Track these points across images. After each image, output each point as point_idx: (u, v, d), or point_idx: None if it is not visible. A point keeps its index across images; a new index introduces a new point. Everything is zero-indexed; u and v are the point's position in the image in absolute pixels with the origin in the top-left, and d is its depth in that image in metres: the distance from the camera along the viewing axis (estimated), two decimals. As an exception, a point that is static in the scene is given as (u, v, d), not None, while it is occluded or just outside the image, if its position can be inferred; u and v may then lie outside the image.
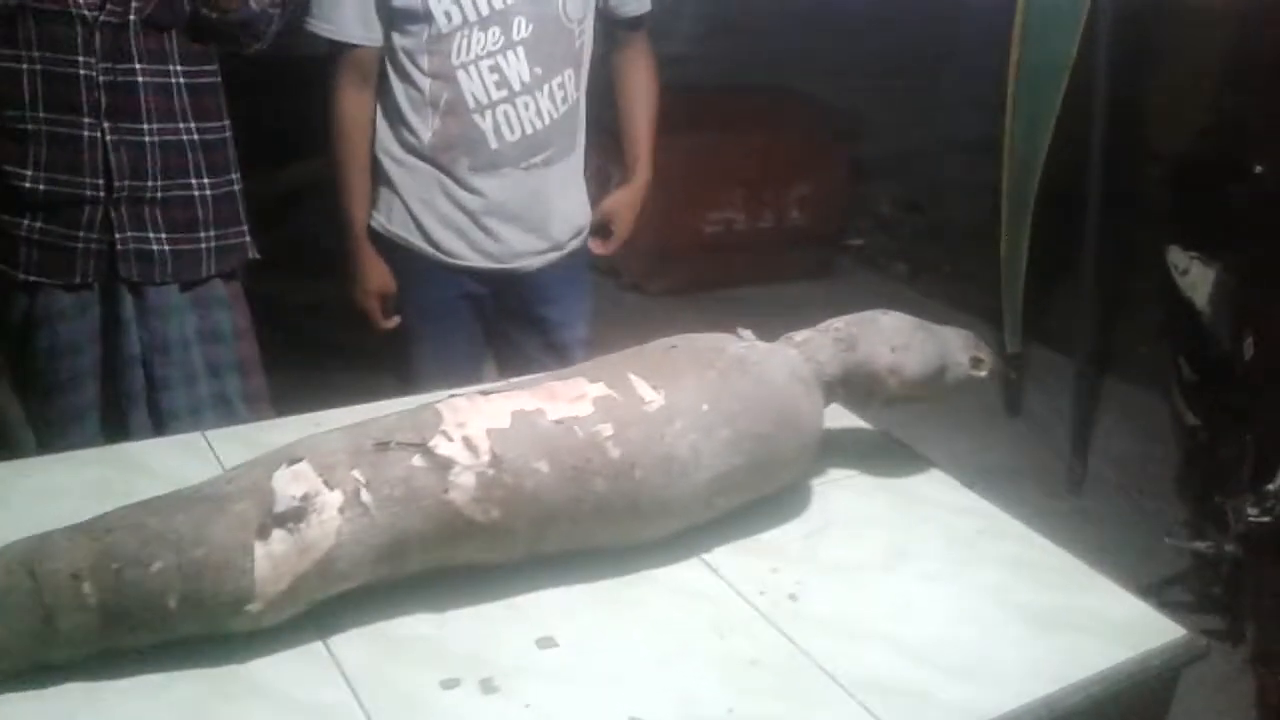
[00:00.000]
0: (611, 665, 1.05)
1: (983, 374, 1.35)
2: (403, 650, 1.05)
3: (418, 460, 1.06)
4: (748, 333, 1.29)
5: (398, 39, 1.80)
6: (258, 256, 1.83)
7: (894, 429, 1.55)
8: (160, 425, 1.70)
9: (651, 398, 1.16)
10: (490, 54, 1.79)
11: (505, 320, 1.98)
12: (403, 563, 1.07)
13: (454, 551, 1.09)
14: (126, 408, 1.70)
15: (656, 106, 2.11)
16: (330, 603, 1.06)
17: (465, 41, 1.78)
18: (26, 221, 1.64)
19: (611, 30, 2.00)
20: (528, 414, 1.11)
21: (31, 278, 1.66)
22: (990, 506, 1.38)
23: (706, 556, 1.22)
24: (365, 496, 1.03)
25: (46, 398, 1.69)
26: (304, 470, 1.03)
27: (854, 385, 1.34)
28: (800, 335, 1.33)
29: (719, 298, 4.18)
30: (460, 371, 1.79)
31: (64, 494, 1.21)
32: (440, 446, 1.07)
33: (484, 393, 1.15)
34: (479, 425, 1.09)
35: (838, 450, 1.46)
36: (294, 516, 1.01)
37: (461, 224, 1.88)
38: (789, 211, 4.32)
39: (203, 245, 1.74)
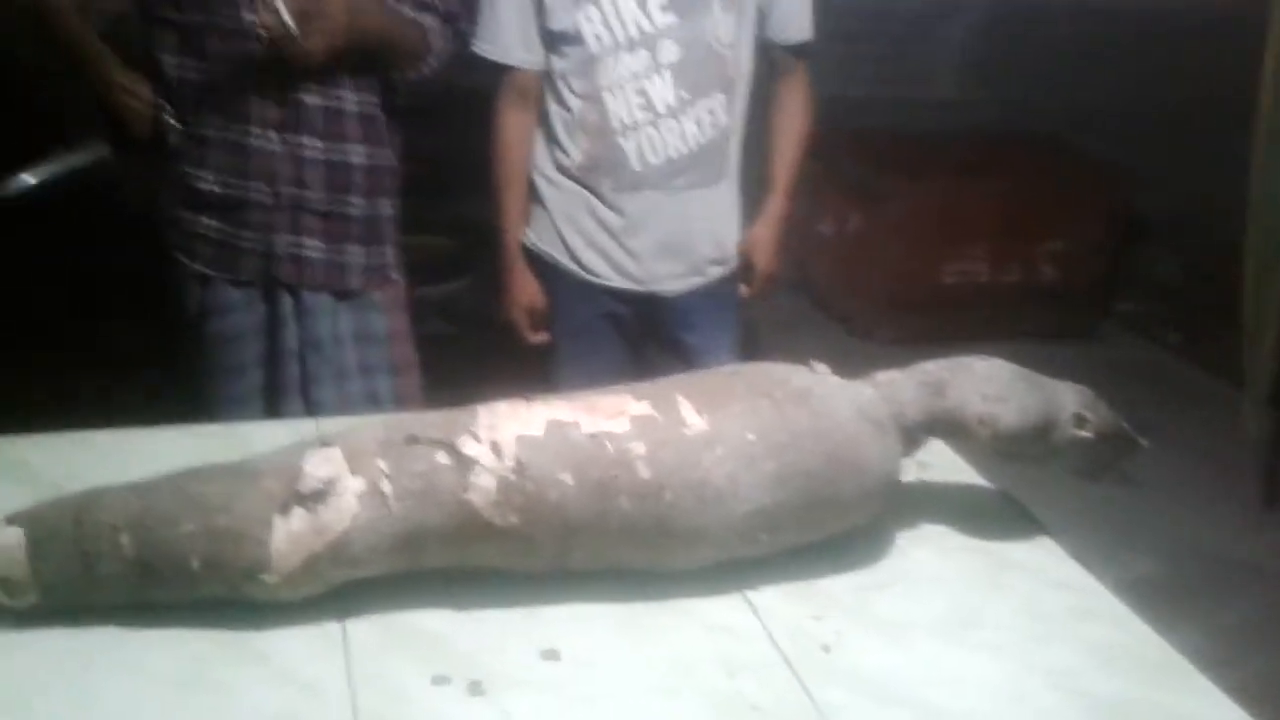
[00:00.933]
0: (604, 687, 1.03)
1: (1085, 434, 1.22)
2: (411, 642, 1.07)
3: (442, 457, 1.08)
4: (822, 366, 1.24)
5: (554, 61, 1.86)
6: (397, 279, 1.93)
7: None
8: (313, 416, 1.82)
9: (694, 421, 1.13)
10: (636, 77, 1.82)
11: (647, 343, 1.99)
12: (419, 557, 1.09)
13: (472, 553, 1.10)
14: (282, 398, 1.84)
15: (805, 141, 2.06)
16: (356, 588, 1.09)
17: (613, 64, 1.82)
18: (203, 219, 1.81)
19: (770, 57, 1.96)
20: (562, 424, 1.11)
21: (205, 270, 1.84)
22: (1095, 584, 1.24)
23: (751, 594, 1.17)
24: (385, 486, 1.06)
25: (214, 383, 1.86)
26: (334, 455, 1.08)
27: (939, 434, 1.26)
28: (884, 375, 1.26)
29: (954, 352, 3.99)
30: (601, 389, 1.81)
31: (171, 462, 1.31)
32: (466, 446, 1.08)
33: (529, 400, 1.16)
34: (511, 430, 1.10)
35: (937, 505, 1.37)
36: (315, 497, 1.05)
37: (604, 243, 1.91)
38: (1039, 267, 4.08)
39: (352, 259, 1.85)
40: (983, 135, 4.28)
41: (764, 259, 2.03)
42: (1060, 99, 4.37)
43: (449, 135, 2.28)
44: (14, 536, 1.03)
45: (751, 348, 2.22)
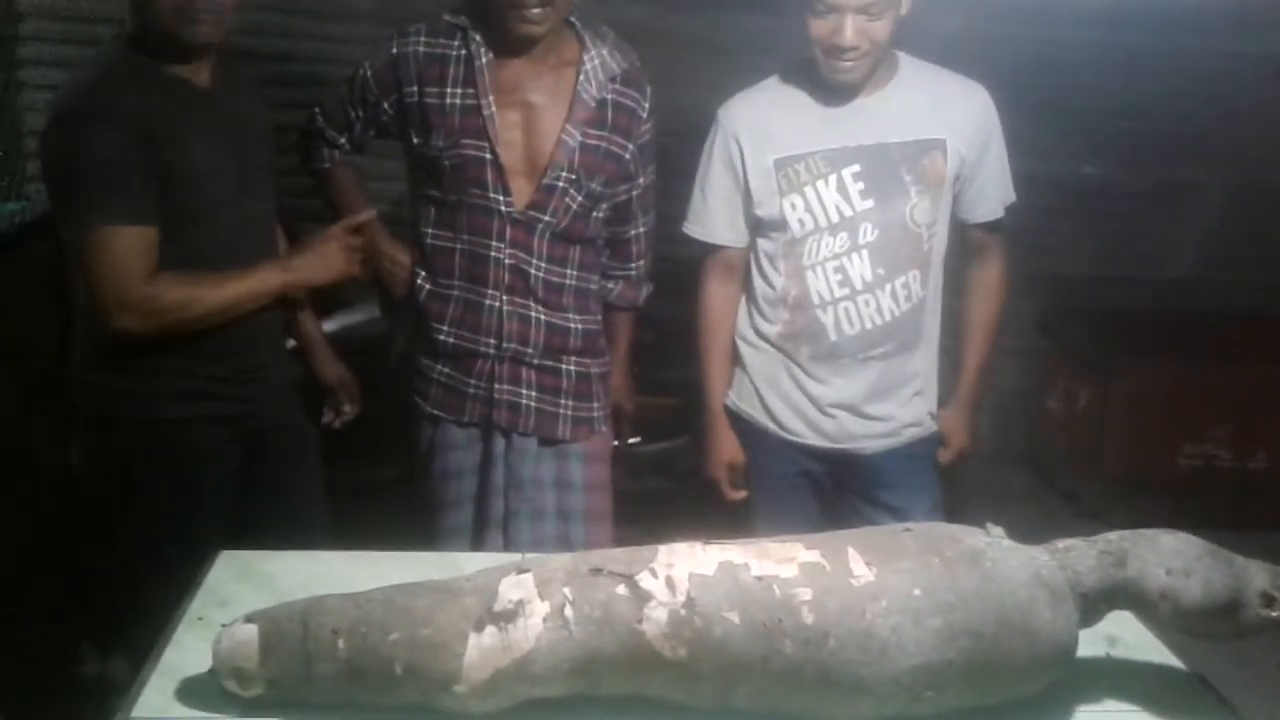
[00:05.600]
0: (757, 825, 1.06)
1: (1274, 614, 1.18)
2: (581, 763, 1.15)
3: (621, 589, 1.17)
4: (998, 529, 1.26)
5: (759, 242, 2.00)
6: (603, 432, 2.10)
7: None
8: (510, 550, 1.96)
9: (861, 573, 1.17)
10: (836, 255, 1.93)
11: (844, 500, 2.04)
12: (595, 681, 1.17)
13: (643, 682, 1.17)
14: (485, 531, 2.01)
15: (997, 321, 2.10)
16: (537, 707, 1.18)
17: (815, 245, 1.94)
18: (437, 366, 2.04)
19: (963, 236, 2.02)
20: (733, 566, 1.18)
21: (435, 411, 2.05)
22: (1290, 777, 1.18)
23: (917, 752, 1.18)
24: (568, 612, 1.15)
25: (435, 512, 2.04)
26: (526, 580, 1.18)
27: (1120, 605, 1.24)
28: (1064, 542, 1.27)
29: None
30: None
31: (389, 581, 1.45)
32: (644, 580, 1.17)
33: (706, 543, 1.23)
34: (685, 568, 1.18)
35: (1124, 682, 1.33)
36: (506, 617, 1.16)
37: (800, 404, 2.00)
38: (1288, 453, 3.83)
39: (561, 411, 2.03)
40: (1222, 315, 4.12)
41: (958, 439, 2.08)
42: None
43: (675, 303, 2.45)
44: (250, 633, 1.18)
45: (971, 519, 2.20)
